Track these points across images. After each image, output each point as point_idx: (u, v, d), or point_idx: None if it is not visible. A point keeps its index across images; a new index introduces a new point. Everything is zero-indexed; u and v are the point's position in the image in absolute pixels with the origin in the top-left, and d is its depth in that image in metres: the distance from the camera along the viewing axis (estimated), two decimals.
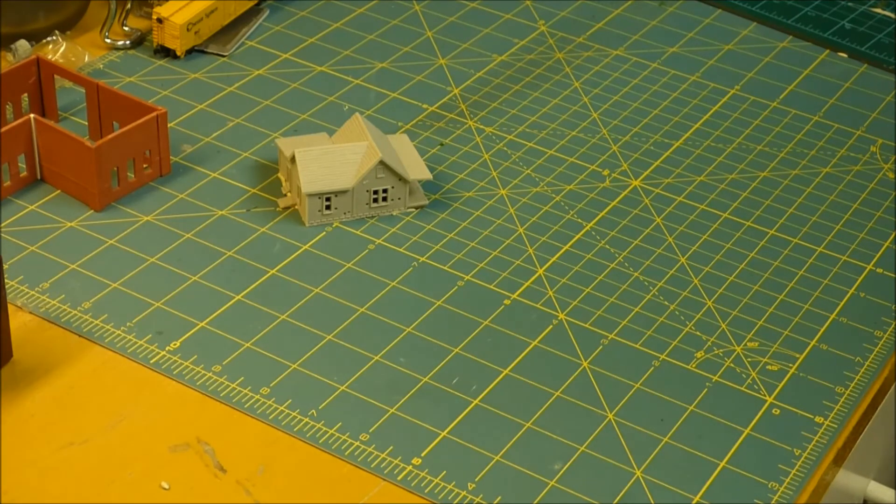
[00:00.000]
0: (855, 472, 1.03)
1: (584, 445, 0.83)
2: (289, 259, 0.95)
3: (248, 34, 1.18)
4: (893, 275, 0.98)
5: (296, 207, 0.99)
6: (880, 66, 1.21)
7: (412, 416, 0.84)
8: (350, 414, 0.83)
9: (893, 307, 0.95)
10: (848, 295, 0.96)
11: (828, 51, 1.23)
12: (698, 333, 0.91)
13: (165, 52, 1.14)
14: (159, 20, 1.12)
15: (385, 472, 0.80)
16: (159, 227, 0.96)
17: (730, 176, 1.06)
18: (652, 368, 0.88)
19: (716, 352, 0.90)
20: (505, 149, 1.07)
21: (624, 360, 0.89)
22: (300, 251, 0.95)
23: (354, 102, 1.11)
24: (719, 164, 1.07)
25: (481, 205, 1.01)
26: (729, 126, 1.12)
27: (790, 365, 0.90)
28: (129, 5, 1.15)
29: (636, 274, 0.96)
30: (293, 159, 0.97)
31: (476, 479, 0.80)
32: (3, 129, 0.95)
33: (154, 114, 0.98)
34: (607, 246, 0.98)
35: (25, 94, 1.03)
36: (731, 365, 0.89)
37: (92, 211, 0.97)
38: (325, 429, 0.82)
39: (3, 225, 0.95)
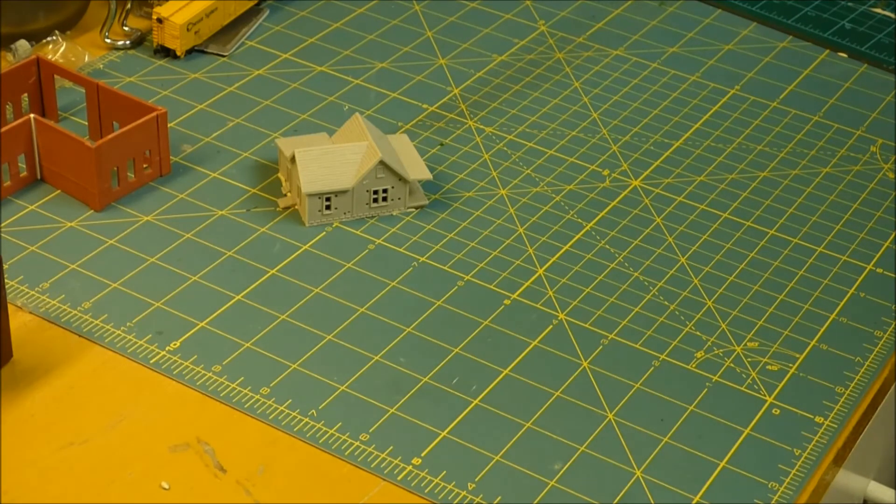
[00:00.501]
0: (855, 472, 1.02)
1: (584, 445, 0.83)
2: (289, 259, 0.94)
3: (248, 34, 1.18)
4: (893, 275, 0.98)
5: (296, 207, 0.99)
6: (880, 66, 1.21)
7: (412, 416, 0.84)
8: (350, 414, 0.83)
9: (893, 307, 0.95)
10: (848, 295, 0.96)
11: (828, 51, 1.23)
12: (698, 333, 0.91)
13: (165, 52, 1.14)
14: (159, 20, 1.12)
15: (385, 472, 0.80)
16: (159, 227, 0.96)
17: (730, 176, 1.06)
18: (652, 368, 0.88)
19: (716, 352, 0.90)
20: (505, 149, 1.07)
21: (624, 360, 0.89)
22: (300, 251, 0.95)
23: (354, 102, 1.11)
24: (719, 164, 1.07)
25: (481, 205, 1.01)
26: (729, 126, 1.12)
27: (790, 365, 0.90)
28: (129, 5, 1.15)
29: (636, 274, 0.96)
30: (293, 159, 0.97)
31: (476, 479, 0.80)
32: (3, 129, 0.95)
33: (154, 114, 0.98)
34: (607, 246, 0.98)
35: (25, 94, 1.03)
36: (731, 365, 0.89)
37: (92, 211, 0.97)
38: (325, 429, 0.82)
39: (3, 225, 0.95)
